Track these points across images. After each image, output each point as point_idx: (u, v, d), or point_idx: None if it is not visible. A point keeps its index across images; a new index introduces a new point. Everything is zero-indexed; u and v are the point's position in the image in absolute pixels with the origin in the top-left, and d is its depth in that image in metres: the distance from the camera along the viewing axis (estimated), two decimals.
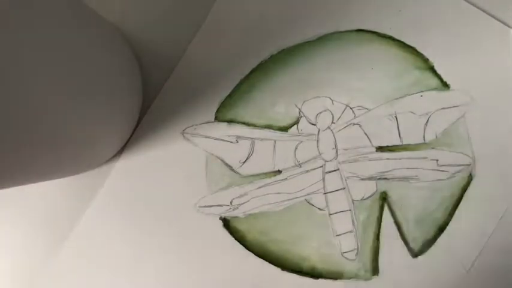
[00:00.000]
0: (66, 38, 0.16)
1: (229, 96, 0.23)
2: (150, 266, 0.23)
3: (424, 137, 0.23)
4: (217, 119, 0.23)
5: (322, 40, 0.23)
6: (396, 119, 0.23)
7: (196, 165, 0.23)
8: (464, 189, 0.23)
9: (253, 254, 0.23)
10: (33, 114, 0.14)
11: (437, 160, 0.23)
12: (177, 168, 0.23)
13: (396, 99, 0.23)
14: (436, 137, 0.23)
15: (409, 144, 0.23)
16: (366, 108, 0.23)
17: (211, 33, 0.24)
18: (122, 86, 0.21)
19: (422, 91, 0.23)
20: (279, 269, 0.23)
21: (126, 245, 0.23)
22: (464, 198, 0.23)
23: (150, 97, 0.24)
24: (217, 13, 0.24)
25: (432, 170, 0.23)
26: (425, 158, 0.23)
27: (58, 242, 0.23)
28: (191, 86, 0.24)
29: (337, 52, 0.23)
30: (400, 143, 0.23)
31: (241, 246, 0.23)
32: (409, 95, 0.23)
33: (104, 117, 0.20)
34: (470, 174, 0.23)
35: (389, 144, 0.23)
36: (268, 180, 0.23)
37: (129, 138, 0.24)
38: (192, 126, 0.23)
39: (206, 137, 0.23)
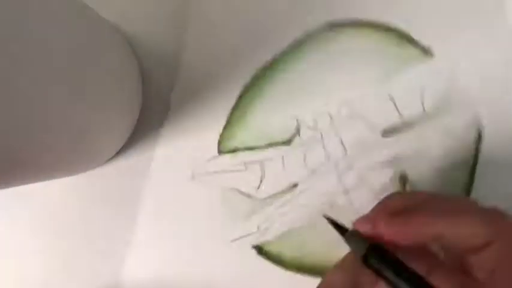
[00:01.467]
0: (66, 38, 0.16)
1: (225, 127, 0.23)
2: None
3: (424, 108, 0.23)
4: (221, 152, 0.23)
5: (295, 48, 0.23)
6: (392, 98, 0.23)
7: (214, 203, 0.23)
8: (477, 146, 0.23)
9: (293, 273, 0.23)
10: (33, 115, 0.14)
11: (443, 127, 0.23)
12: (196, 212, 0.23)
13: (385, 80, 0.23)
14: (435, 105, 0.23)
15: (411, 119, 0.23)
16: (364, 95, 0.23)
17: (193, 71, 0.24)
18: (122, 85, 0.21)
19: (407, 64, 0.23)
20: None
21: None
22: (480, 154, 0.23)
23: (149, 97, 0.24)
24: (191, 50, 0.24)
25: (441, 137, 0.23)
26: (431, 128, 0.23)
27: (58, 241, 0.23)
28: (187, 129, 0.24)
29: (314, 54, 0.23)
30: (401, 121, 0.23)
31: (280, 268, 0.23)
32: (397, 72, 0.23)
33: (104, 117, 0.20)
34: (479, 129, 0.23)
35: (392, 125, 0.23)
36: (288, 197, 0.23)
37: (128, 138, 0.24)
38: (199, 167, 0.23)
39: (215, 172, 0.23)
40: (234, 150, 0.23)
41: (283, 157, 0.23)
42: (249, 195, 0.23)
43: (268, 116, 0.23)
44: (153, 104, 0.24)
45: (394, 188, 0.23)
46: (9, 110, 0.13)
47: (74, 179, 0.23)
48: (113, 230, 0.23)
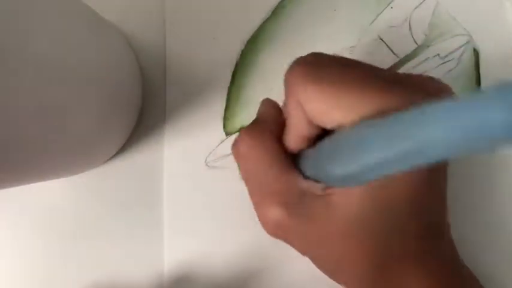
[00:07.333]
0: (66, 38, 0.16)
1: (227, 108, 0.23)
2: None
3: (415, 41, 0.23)
4: (228, 134, 0.23)
5: (278, 11, 0.23)
6: (382, 39, 0.23)
7: (234, 185, 0.23)
8: (477, 65, 0.23)
9: None
10: (33, 114, 0.14)
11: (438, 54, 0.23)
12: (219, 197, 0.23)
13: (372, 23, 0.23)
14: (425, 35, 0.23)
15: (406, 56, 0.23)
16: (352, 46, 0.23)
17: (179, 60, 0.23)
18: (122, 85, 0.21)
19: (390, 3, 0.23)
20: None
21: None
22: (482, 73, 0.23)
23: (149, 97, 0.23)
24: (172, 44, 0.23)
25: (439, 65, 0.23)
26: (427, 58, 0.23)
27: (58, 241, 0.23)
28: (190, 122, 0.23)
29: (296, 14, 0.23)
30: (397, 59, 0.23)
31: None
32: (380, 13, 0.23)
33: (104, 117, 0.19)
34: (475, 49, 0.23)
35: (389, 66, 0.23)
36: None
37: (129, 137, 0.23)
38: (210, 154, 0.23)
39: (227, 155, 0.23)
40: (240, 129, 0.23)
41: None
42: None
43: (266, 86, 0.23)
44: (153, 103, 0.23)
45: None
46: (9, 110, 0.13)
47: (74, 179, 0.23)
48: (113, 230, 0.23)
